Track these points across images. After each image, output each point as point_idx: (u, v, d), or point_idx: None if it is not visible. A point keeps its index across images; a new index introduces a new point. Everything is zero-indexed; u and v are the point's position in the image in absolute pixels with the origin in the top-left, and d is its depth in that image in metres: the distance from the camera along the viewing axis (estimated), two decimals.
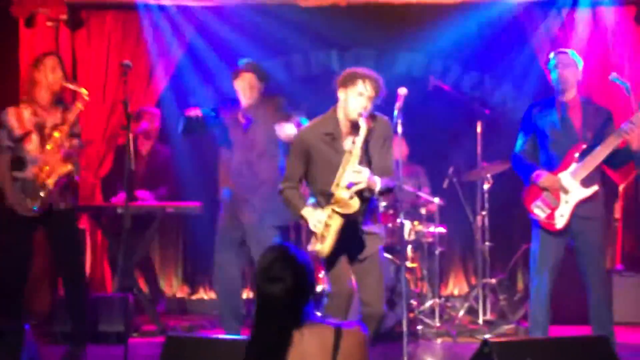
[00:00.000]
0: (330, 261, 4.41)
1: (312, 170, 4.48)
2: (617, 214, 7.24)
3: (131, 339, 5.75)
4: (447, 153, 7.15)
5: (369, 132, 4.34)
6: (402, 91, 5.20)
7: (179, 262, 7.93)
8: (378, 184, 4.30)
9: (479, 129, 6.58)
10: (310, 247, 4.34)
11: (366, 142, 4.36)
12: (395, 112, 4.90)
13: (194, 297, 7.89)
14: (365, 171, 4.22)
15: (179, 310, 7.63)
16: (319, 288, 6.52)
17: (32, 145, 5.16)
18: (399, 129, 5.11)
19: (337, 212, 4.23)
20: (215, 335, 4.74)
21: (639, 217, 7.23)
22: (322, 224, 4.28)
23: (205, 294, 7.89)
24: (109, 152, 7.09)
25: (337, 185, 4.27)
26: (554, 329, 5.49)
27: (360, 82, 4.31)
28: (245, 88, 5.73)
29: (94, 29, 7.27)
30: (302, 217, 4.43)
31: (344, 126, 4.42)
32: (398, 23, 7.41)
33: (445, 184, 6.90)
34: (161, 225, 6.76)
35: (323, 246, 4.29)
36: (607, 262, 7.18)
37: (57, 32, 7.06)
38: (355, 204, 4.20)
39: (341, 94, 4.39)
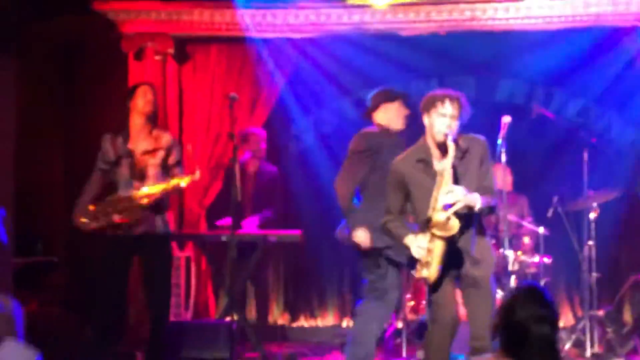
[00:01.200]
0: (435, 286, 4.36)
1: (412, 200, 4.48)
2: None
3: None
4: (552, 182, 7.00)
5: (465, 152, 4.32)
6: (506, 119, 5.17)
7: (280, 289, 7.99)
8: (478, 201, 4.23)
9: (585, 157, 6.43)
10: (416, 274, 4.31)
11: (463, 163, 4.32)
12: (500, 141, 4.86)
13: (294, 325, 7.93)
14: (459, 190, 4.16)
15: (281, 338, 7.67)
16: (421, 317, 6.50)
17: (124, 169, 5.35)
18: (503, 158, 5.08)
19: (437, 236, 4.18)
20: None
21: None
22: (424, 249, 4.24)
23: (305, 322, 7.92)
24: (213, 182, 7.25)
25: (434, 209, 4.23)
26: None
27: (439, 103, 4.28)
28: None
29: (199, 61, 7.48)
30: (405, 245, 4.41)
31: (435, 150, 4.39)
32: (498, 49, 7.35)
33: (549, 213, 6.76)
34: (263, 252, 6.85)
35: (429, 272, 4.24)
36: None
37: (165, 65, 7.29)
38: (454, 226, 4.14)
39: (425, 119, 4.38)
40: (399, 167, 4.47)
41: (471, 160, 4.39)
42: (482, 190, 4.33)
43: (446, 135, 4.24)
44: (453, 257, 4.29)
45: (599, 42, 7.08)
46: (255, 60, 7.39)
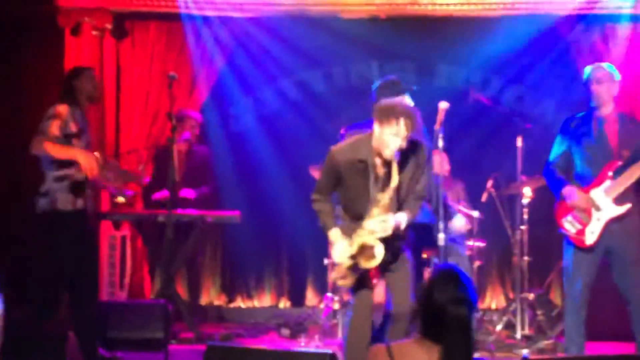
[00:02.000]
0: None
1: (343, 193, 4.55)
2: None
3: (170, 345, 5.81)
4: (486, 167, 7.12)
5: (404, 158, 4.36)
6: (443, 105, 5.19)
7: (217, 269, 7.97)
8: (403, 222, 4.41)
9: (519, 143, 6.54)
10: (331, 277, 4.42)
11: (401, 168, 4.36)
12: (437, 127, 4.90)
13: (231, 306, 7.92)
14: (390, 220, 4.31)
15: (217, 318, 7.67)
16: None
17: (82, 143, 5.16)
18: (440, 143, 5.11)
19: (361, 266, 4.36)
20: (256, 346, 4.77)
21: None
22: (344, 259, 4.40)
23: (242, 303, 7.93)
24: (150, 160, 7.18)
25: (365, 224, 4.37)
26: (592, 345, 5.44)
27: (395, 123, 4.24)
28: None
29: (138, 38, 7.40)
30: (329, 236, 4.52)
31: (377, 158, 4.40)
32: (438, 35, 7.42)
33: (484, 198, 6.87)
34: (200, 233, 6.82)
35: (345, 283, 4.46)
36: None
37: (102, 42, 7.17)
38: (378, 257, 4.30)
39: (376, 127, 4.33)
40: (338, 158, 4.47)
41: (410, 166, 4.44)
42: (413, 196, 4.48)
43: (393, 153, 4.27)
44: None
45: (536, 30, 7.20)
46: (195, 38, 7.34)
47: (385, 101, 4.47)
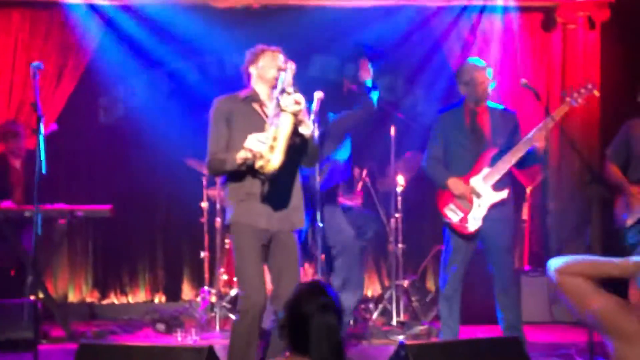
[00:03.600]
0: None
1: (234, 136, 4.44)
2: (525, 216, 7.43)
3: (40, 345, 5.60)
4: (361, 156, 7.19)
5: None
6: (318, 94, 5.22)
7: (89, 265, 7.74)
8: (311, 127, 4.41)
9: (392, 132, 6.65)
10: (258, 164, 4.18)
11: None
12: (312, 116, 4.90)
13: (104, 302, 7.71)
14: (302, 101, 4.26)
15: (89, 316, 7.45)
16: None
17: None
18: (316, 132, 5.12)
19: (286, 111, 4.20)
20: (129, 343, 4.65)
21: (545, 219, 7.45)
22: (268, 137, 4.18)
23: (116, 299, 7.73)
24: None
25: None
26: (465, 329, 5.59)
27: (268, 52, 4.56)
28: None
29: (1, 26, 7.06)
30: (239, 158, 4.26)
31: (263, 92, 4.52)
32: (312, 25, 7.43)
33: (359, 187, 6.95)
34: (71, 228, 6.60)
35: (274, 155, 4.17)
36: (516, 263, 7.40)
37: None
38: (301, 100, 4.21)
39: (252, 69, 4.58)
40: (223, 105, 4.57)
41: None
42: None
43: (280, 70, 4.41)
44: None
45: (409, 21, 7.33)
46: (62, 26, 7.10)
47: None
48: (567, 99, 5.16)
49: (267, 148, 4.17)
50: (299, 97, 4.22)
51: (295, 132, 4.29)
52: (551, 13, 7.36)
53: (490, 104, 5.39)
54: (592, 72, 7.25)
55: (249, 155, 4.21)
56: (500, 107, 5.54)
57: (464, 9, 7.28)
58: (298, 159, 4.47)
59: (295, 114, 4.21)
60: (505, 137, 5.26)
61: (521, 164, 5.27)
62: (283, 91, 4.25)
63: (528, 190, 7.34)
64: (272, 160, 4.17)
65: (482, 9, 7.27)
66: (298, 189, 4.54)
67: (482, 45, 7.25)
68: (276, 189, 4.40)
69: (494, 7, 7.25)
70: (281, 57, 4.50)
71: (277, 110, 4.24)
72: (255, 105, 4.51)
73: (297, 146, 4.39)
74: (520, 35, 7.35)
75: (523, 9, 7.34)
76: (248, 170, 4.32)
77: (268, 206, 4.40)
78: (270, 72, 4.47)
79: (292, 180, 4.50)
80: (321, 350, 2.85)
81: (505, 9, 7.24)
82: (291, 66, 4.34)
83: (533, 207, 7.44)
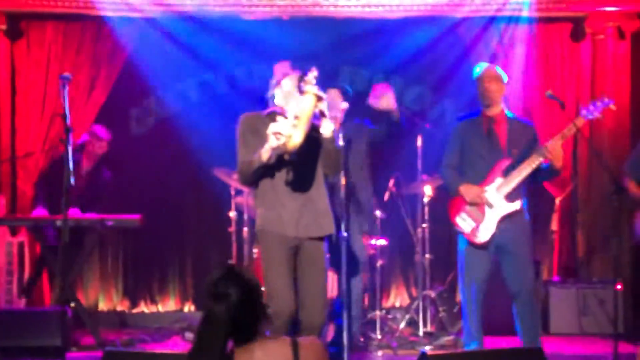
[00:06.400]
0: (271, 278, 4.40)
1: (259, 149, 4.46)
2: (554, 226, 7.39)
3: (70, 353, 5.69)
4: (388, 166, 7.20)
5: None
6: (344, 105, 5.27)
7: (119, 274, 7.83)
8: (331, 126, 4.38)
9: (419, 143, 6.66)
10: (282, 141, 4.22)
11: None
12: (337, 127, 4.94)
13: (134, 311, 7.79)
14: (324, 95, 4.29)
15: (119, 324, 7.53)
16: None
17: None
18: (341, 143, 5.15)
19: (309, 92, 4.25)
20: (153, 350, 4.70)
21: (575, 230, 7.39)
22: (290, 120, 4.26)
23: (146, 308, 7.81)
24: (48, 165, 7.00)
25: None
26: (490, 340, 5.56)
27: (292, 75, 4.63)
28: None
29: (34, 38, 7.22)
30: (265, 150, 4.28)
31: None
32: (341, 36, 7.48)
33: (386, 197, 6.96)
34: (101, 238, 6.69)
35: (298, 132, 4.21)
36: (544, 274, 7.35)
37: None
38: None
39: (277, 91, 4.61)
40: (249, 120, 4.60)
41: None
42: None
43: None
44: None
45: (436, 32, 7.34)
46: (94, 38, 7.21)
47: None
48: (583, 111, 5.10)
49: (289, 125, 4.23)
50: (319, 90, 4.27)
51: (315, 130, 4.33)
52: (580, 23, 7.32)
53: (509, 114, 5.35)
54: (622, 83, 7.21)
55: (274, 141, 4.23)
56: (519, 118, 5.51)
57: (492, 19, 7.28)
58: (323, 164, 4.51)
59: (317, 96, 4.23)
60: (521, 148, 5.17)
61: (535, 176, 5.20)
62: (302, 78, 4.35)
63: (557, 200, 7.30)
64: (294, 136, 4.21)
65: (510, 20, 7.26)
66: (324, 195, 4.57)
67: (510, 56, 7.24)
68: (303, 195, 4.45)
69: (522, 18, 7.22)
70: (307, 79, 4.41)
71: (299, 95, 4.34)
72: (280, 119, 4.52)
73: (320, 150, 4.43)
74: (549, 46, 7.33)
75: (552, 20, 7.33)
76: (276, 164, 4.37)
77: (295, 213, 4.43)
78: (292, 95, 4.47)
79: (319, 186, 4.53)
80: (202, 341, 2.72)
81: (534, 20, 7.22)
82: (313, 73, 4.36)
83: (562, 218, 7.39)
